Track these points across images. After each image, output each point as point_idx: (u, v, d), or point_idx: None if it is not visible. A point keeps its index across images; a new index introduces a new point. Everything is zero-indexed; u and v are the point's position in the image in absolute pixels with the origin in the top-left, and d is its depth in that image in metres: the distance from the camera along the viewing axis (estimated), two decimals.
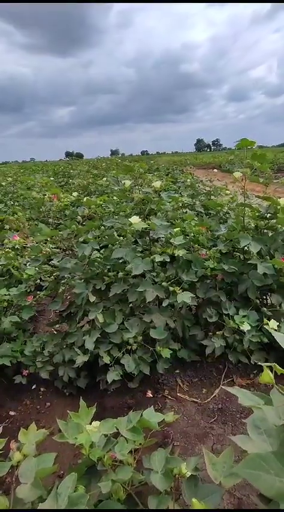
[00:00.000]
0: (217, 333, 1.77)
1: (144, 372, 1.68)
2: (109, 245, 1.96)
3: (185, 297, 1.62)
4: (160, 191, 2.10)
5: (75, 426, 0.77)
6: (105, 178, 4.74)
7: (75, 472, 0.68)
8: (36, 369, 1.87)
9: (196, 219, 2.21)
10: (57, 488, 0.60)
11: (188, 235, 1.98)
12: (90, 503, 0.65)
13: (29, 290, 2.11)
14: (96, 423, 0.79)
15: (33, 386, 2.00)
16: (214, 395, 1.74)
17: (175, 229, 1.83)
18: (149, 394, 1.76)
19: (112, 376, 1.63)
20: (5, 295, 1.83)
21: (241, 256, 1.93)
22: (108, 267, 1.90)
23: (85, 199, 2.27)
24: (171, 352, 1.69)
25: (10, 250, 2.25)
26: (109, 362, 1.64)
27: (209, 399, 1.73)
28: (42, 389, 1.99)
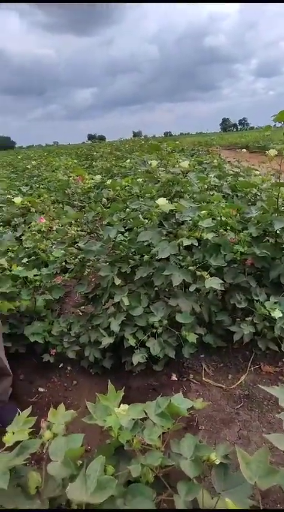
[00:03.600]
0: (246, 319, 1.71)
1: (169, 355, 1.67)
2: (134, 228, 1.93)
3: (213, 283, 1.57)
4: (187, 172, 2.02)
5: (103, 408, 0.77)
6: (128, 160, 4.67)
7: (103, 453, 0.69)
8: (63, 348, 1.92)
9: (224, 201, 2.12)
10: (85, 469, 0.60)
11: (215, 218, 1.90)
12: (118, 489, 0.65)
13: (55, 272, 2.14)
14: (124, 406, 0.78)
15: (61, 365, 2.07)
16: (240, 381, 1.71)
17: (202, 212, 1.76)
18: (174, 377, 1.76)
19: (137, 358, 1.63)
20: (35, 275, 1.87)
21: (273, 241, 1.84)
22: (133, 250, 1.88)
23: (109, 181, 2.23)
24: (197, 337, 1.67)
25: (36, 233, 2.28)
26: (134, 344, 1.64)
27: (235, 385, 1.70)
28: (68, 368, 2.05)
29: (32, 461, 1.16)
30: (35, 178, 4.90)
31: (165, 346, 1.67)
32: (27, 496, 0.67)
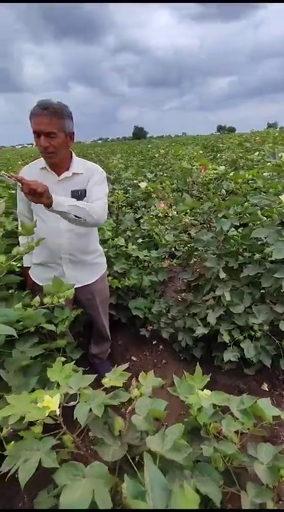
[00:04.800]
0: None
1: (264, 362, 1.58)
2: (250, 223, 1.85)
3: None
4: None
5: (188, 386, 0.81)
6: (256, 153, 4.39)
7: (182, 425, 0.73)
8: (159, 327, 2.05)
9: None
10: (164, 430, 0.66)
11: None
12: (189, 459, 0.69)
13: (164, 256, 2.27)
14: (207, 391, 0.81)
15: (154, 342, 2.21)
16: None
17: None
18: (265, 387, 1.65)
19: (228, 355, 1.60)
20: (146, 256, 2.03)
21: None
22: (245, 246, 1.81)
23: (232, 173, 2.18)
24: None
25: (154, 217, 2.44)
26: (228, 341, 1.61)
27: None
28: (161, 346, 2.18)
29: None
30: (160, 167, 5.18)
31: (261, 352, 1.58)
32: (111, 434, 0.78)
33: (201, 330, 1.74)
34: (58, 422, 0.74)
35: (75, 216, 1.23)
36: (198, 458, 0.76)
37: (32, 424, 0.79)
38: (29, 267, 1.56)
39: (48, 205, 1.16)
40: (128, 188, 3.18)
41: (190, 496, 0.47)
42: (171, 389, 0.81)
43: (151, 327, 2.11)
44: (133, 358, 2.12)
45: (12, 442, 0.85)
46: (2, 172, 1.11)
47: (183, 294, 2.28)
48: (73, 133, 1.34)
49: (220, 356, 1.67)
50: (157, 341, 2.22)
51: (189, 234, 2.04)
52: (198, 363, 0.89)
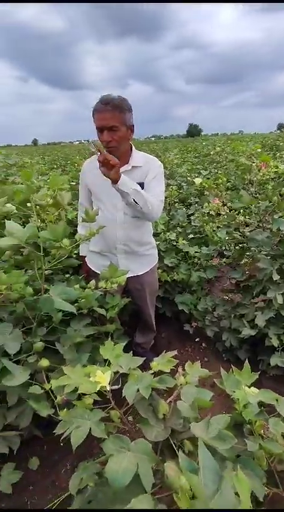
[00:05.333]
0: None
1: None
2: None
3: None
4: None
5: (235, 381, 0.81)
6: None
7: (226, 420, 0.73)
8: (204, 325, 2.04)
9: None
10: (209, 419, 0.67)
11: None
12: (232, 451, 0.69)
13: (213, 254, 2.24)
14: (254, 389, 0.80)
15: (197, 339, 2.21)
16: None
17: None
18: None
19: (275, 360, 1.54)
20: (196, 252, 2.03)
21: None
22: None
23: None
24: None
25: (206, 214, 2.42)
26: (276, 346, 1.55)
27: None
28: (203, 344, 2.17)
29: None
30: (214, 164, 5.07)
31: None
32: (155, 417, 0.81)
33: (247, 332, 1.70)
34: (107, 397, 0.79)
35: (134, 202, 1.28)
36: (240, 453, 0.76)
37: (83, 395, 0.86)
38: (84, 256, 1.66)
39: (115, 180, 1.23)
40: (182, 184, 3.18)
41: (243, 481, 0.47)
42: (218, 381, 0.82)
43: (195, 324, 2.10)
44: (175, 353, 2.13)
45: (65, 409, 0.93)
46: (91, 139, 1.18)
47: (231, 294, 2.23)
48: (133, 126, 1.38)
49: (266, 360, 1.61)
50: (200, 338, 2.21)
51: (242, 232, 1.98)
52: (246, 361, 0.87)
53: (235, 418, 0.83)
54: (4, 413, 1.14)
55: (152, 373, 0.82)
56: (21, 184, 1.24)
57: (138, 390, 0.73)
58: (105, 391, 0.78)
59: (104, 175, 1.23)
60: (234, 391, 0.78)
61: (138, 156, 1.46)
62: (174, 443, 0.80)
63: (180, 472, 0.62)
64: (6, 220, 1.00)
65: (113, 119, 1.28)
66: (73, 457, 1.46)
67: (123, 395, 0.74)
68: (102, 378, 0.72)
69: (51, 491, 1.32)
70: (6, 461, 1.17)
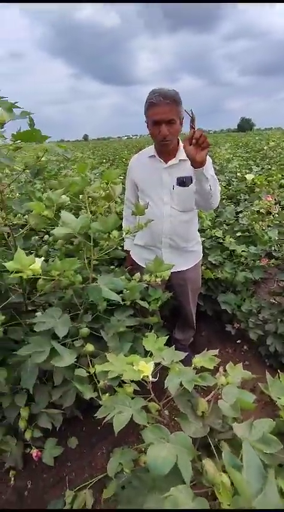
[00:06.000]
0: None
1: None
2: None
3: None
4: None
5: (281, 387, 0.77)
6: None
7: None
8: (247, 327, 1.97)
9: None
10: (252, 421, 0.66)
11: None
12: (275, 458, 0.66)
13: (261, 254, 2.14)
14: None
15: (238, 341, 2.14)
16: None
17: None
18: None
19: None
20: (243, 251, 1.96)
21: None
22: None
23: None
24: None
25: (255, 212, 2.32)
26: None
27: None
28: (245, 347, 2.10)
29: None
30: (267, 160, 4.82)
31: None
32: (194, 413, 0.81)
33: None
34: (147, 388, 0.81)
35: (209, 187, 1.25)
36: (282, 463, 0.73)
37: (123, 382, 0.88)
38: (129, 250, 1.69)
39: (202, 164, 1.16)
40: (232, 180, 3.07)
41: None
42: (262, 385, 0.79)
43: (238, 325, 2.04)
44: (217, 352, 2.09)
45: (107, 394, 0.97)
46: (191, 109, 1.11)
47: (278, 297, 2.12)
48: (183, 118, 1.37)
49: None
50: (241, 340, 2.14)
51: None
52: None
53: (279, 426, 0.80)
54: (49, 391, 1.22)
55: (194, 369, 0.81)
56: (74, 177, 1.30)
57: (181, 384, 0.74)
58: (145, 381, 0.80)
59: (190, 156, 1.14)
60: (279, 398, 0.75)
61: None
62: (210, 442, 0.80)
63: (218, 470, 0.62)
64: (62, 211, 1.06)
65: (171, 112, 1.28)
66: (109, 442, 1.51)
67: (165, 386, 0.75)
68: (146, 367, 0.74)
69: (88, 471, 1.39)
70: (48, 436, 1.25)
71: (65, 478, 1.36)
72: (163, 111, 1.27)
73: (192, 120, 1.09)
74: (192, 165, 1.19)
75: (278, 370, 0.86)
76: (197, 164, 1.16)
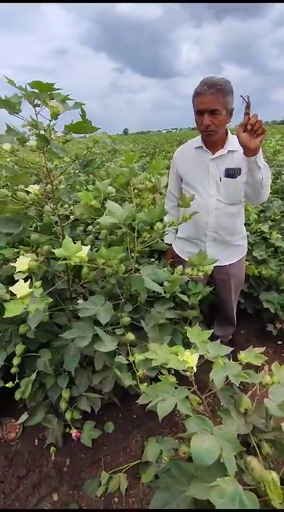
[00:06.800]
0: None
1: None
2: None
3: None
4: None
5: None
6: None
7: None
8: None
9: None
10: None
11: None
12: None
13: None
14: None
15: (279, 342, 2.05)
16: None
17: None
18: None
19: None
20: None
21: None
22: None
23: None
24: None
25: None
26: None
27: None
28: None
29: None
30: None
31: None
32: (236, 410, 0.79)
33: None
34: (190, 380, 0.80)
35: (261, 177, 1.22)
36: None
37: (160, 373, 0.89)
38: (170, 244, 1.68)
39: (255, 151, 1.12)
40: (280, 174, 2.91)
41: None
42: None
43: (280, 325, 1.95)
44: (263, 349, 2.03)
45: (145, 383, 0.98)
46: (247, 94, 1.07)
47: None
48: (233, 109, 1.32)
49: None
50: (283, 341, 2.05)
51: None
52: None
53: None
54: (90, 376, 1.27)
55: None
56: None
57: (227, 377, 0.73)
58: (184, 374, 0.79)
59: (243, 143, 1.11)
60: None
61: (234, 140, 1.39)
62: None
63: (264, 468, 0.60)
64: (108, 201, 1.07)
65: (216, 102, 1.24)
66: (143, 431, 1.54)
67: (210, 379, 0.74)
68: (190, 358, 0.73)
69: (122, 456, 1.43)
70: (87, 419, 1.30)
71: (100, 460, 1.41)
72: (206, 101, 1.24)
73: (247, 106, 1.05)
74: (244, 154, 1.15)
75: None
76: (250, 152, 1.12)
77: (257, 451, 0.74)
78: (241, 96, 1.08)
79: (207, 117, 1.27)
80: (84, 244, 1.07)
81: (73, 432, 1.24)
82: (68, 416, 1.23)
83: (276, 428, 0.76)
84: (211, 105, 1.25)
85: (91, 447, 1.30)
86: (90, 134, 1.16)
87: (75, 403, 1.28)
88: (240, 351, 0.86)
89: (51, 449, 1.33)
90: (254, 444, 0.75)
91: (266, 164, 1.23)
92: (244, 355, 0.81)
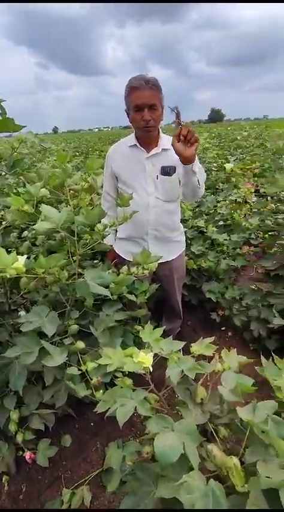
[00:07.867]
0: None
1: None
2: None
3: None
4: None
5: (275, 369, 0.79)
6: None
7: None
8: (231, 313, 2.01)
9: None
10: (255, 403, 0.67)
11: None
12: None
13: (242, 242, 2.19)
14: None
15: (223, 328, 2.19)
16: None
17: None
18: None
19: None
20: (225, 240, 1.99)
21: None
22: None
23: None
24: None
25: (233, 201, 2.36)
26: None
27: None
28: (229, 333, 2.15)
29: None
30: (240, 150, 4.91)
31: None
32: (192, 401, 0.82)
33: (277, 321, 1.66)
34: (146, 379, 0.80)
35: (198, 181, 1.26)
36: None
37: (115, 377, 0.87)
38: (111, 245, 1.65)
39: (192, 159, 1.15)
40: (210, 170, 3.09)
41: None
42: (259, 368, 0.80)
43: (222, 312, 2.08)
44: (213, 339, 2.13)
45: (101, 390, 0.95)
46: (175, 106, 1.09)
47: (259, 283, 2.18)
48: (164, 108, 1.35)
49: None
50: (226, 327, 2.19)
51: (274, 219, 1.92)
52: (272, 352, 0.86)
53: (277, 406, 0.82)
54: (40, 392, 1.19)
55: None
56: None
57: (182, 372, 0.74)
58: (144, 373, 0.79)
59: (179, 153, 1.14)
60: (275, 379, 0.77)
61: (165, 139, 1.42)
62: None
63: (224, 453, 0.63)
64: (42, 205, 1.01)
65: (154, 97, 1.26)
66: (102, 437, 1.50)
67: (167, 376, 0.74)
68: (146, 359, 0.73)
69: (84, 467, 1.38)
70: (41, 437, 1.21)
71: (60, 477, 1.34)
72: (146, 96, 1.24)
73: (177, 116, 1.08)
74: (181, 162, 1.19)
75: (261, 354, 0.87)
76: (186, 160, 1.16)
77: (215, 436, 0.77)
78: (169, 107, 1.10)
79: (146, 112, 1.27)
80: (20, 253, 0.99)
81: (27, 455, 1.15)
82: (19, 438, 1.14)
83: (230, 411, 0.80)
84: (150, 100, 1.25)
85: (48, 466, 1.22)
86: (16, 133, 1.07)
87: (26, 422, 1.18)
88: (191, 344, 0.88)
89: (4, 478, 1.22)
90: (212, 430, 0.78)
91: (201, 166, 1.29)
92: (196, 348, 0.83)
